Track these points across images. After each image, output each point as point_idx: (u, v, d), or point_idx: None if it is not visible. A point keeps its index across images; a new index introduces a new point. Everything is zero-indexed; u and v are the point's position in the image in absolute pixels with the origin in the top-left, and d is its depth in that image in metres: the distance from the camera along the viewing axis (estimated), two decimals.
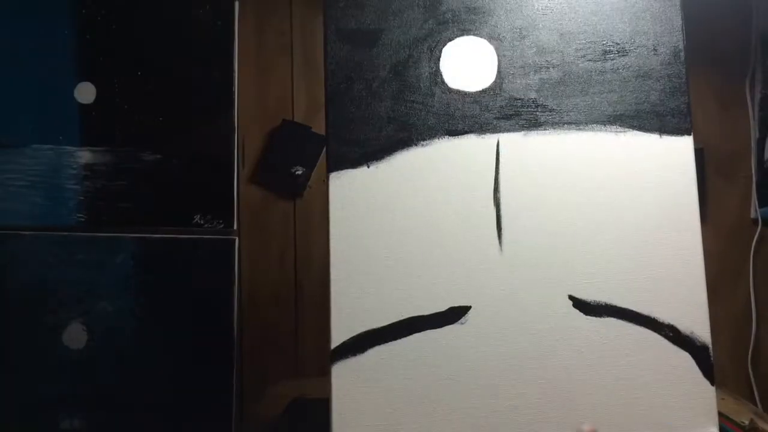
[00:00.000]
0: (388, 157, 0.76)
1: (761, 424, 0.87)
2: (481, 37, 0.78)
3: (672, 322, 0.74)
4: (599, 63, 0.78)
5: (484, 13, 0.78)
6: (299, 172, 1.31)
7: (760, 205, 1.26)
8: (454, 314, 0.73)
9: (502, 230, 0.75)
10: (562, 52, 0.78)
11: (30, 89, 0.90)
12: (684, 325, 0.74)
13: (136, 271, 0.88)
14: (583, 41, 0.78)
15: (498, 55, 0.78)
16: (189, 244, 0.90)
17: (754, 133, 1.29)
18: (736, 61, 1.31)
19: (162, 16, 0.93)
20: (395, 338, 0.73)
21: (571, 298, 0.74)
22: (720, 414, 0.74)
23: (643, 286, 0.74)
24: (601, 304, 0.74)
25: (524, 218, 0.75)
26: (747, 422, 0.85)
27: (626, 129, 0.77)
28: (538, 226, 0.75)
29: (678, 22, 0.79)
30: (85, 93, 0.91)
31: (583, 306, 0.74)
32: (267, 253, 1.32)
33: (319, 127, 1.32)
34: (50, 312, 0.86)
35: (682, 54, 0.78)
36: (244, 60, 1.12)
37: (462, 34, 0.78)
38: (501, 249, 0.74)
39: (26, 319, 0.86)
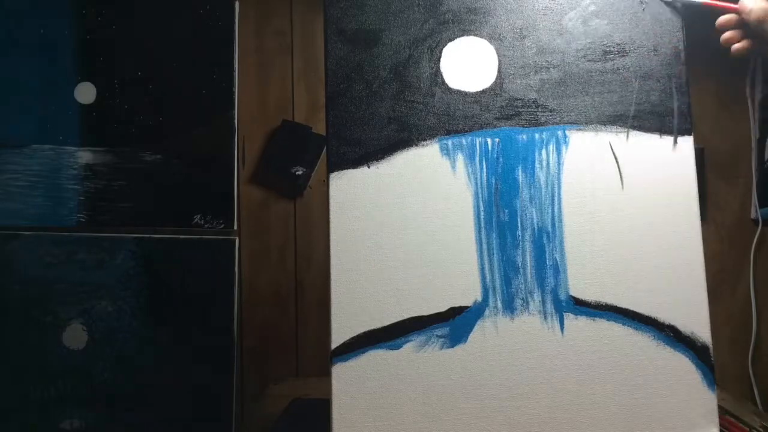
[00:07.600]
0: (388, 157, 0.76)
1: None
2: (481, 37, 0.78)
3: (672, 323, 0.74)
4: (599, 63, 0.78)
5: (484, 13, 0.78)
6: (299, 172, 1.31)
7: (760, 206, 1.26)
8: (454, 314, 0.73)
9: (503, 230, 0.75)
10: (562, 52, 0.78)
11: (30, 89, 0.90)
12: (684, 326, 0.74)
13: (136, 271, 0.88)
14: (584, 41, 0.78)
15: (498, 56, 0.78)
16: (189, 244, 0.90)
17: (754, 133, 1.29)
18: (736, 61, 1.31)
19: (162, 16, 0.93)
20: (395, 338, 0.73)
21: (571, 297, 0.74)
22: (728, 414, 0.74)
23: (644, 286, 0.74)
24: (602, 304, 0.74)
25: (525, 218, 0.75)
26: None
27: (626, 129, 0.77)
28: (538, 226, 0.75)
29: (678, 22, 0.79)
30: (85, 93, 0.91)
31: (583, 306, 0.74)
32: (267, 254, 1.32)
33: (319, 127, 1.32)
34: (50, 312, 0.86)
35: (682, 54, 0.78)
36: (244, 60, 1.12)
37: (462, 35, 0.78)
38: (501, 249, 0.74)
39: (26, 319, 0.86)
